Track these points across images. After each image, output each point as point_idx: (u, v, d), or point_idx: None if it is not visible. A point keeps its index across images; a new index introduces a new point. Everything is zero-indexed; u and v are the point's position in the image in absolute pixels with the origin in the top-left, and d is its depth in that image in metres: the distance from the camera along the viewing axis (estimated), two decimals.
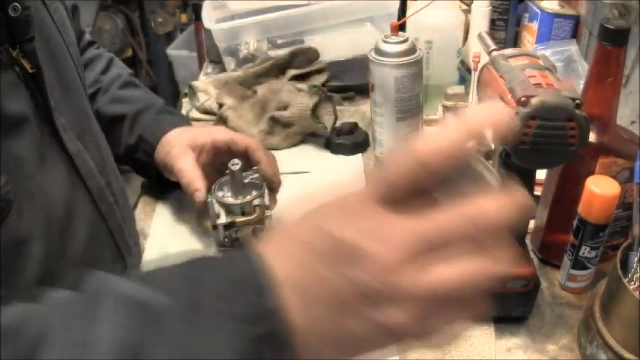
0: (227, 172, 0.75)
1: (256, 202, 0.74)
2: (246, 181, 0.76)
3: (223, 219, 0.74)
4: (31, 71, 0.58)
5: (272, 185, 0.78)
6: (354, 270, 0.33)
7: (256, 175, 0.77)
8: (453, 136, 0.35)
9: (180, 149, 0.79)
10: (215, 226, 0.74)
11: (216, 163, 0.81)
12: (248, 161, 0.78)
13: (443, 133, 0.35)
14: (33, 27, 0.58)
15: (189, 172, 0.76)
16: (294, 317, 0.33)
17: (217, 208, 0.74)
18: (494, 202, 0.33)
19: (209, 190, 0.76)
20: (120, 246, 0.72)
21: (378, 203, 0.35)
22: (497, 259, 0.33)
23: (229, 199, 0.75)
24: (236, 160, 0.74)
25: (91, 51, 0.95)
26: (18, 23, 0.57)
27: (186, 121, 0.91)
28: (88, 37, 0.96)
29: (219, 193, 0.75)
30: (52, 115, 0.61)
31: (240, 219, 0.74)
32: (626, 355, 0.58)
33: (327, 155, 1.04)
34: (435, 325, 0.35)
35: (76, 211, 0.63)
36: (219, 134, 0.81)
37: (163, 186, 0.90)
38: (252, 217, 0.74)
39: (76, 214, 0.63)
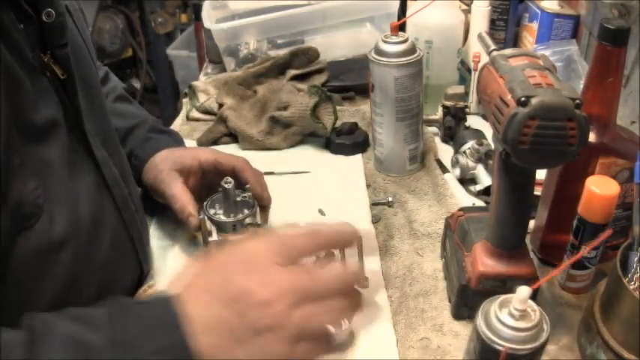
0: (220, 189, 0.74)
1: (249, 220, 0.74)
2: (238, 199, 0.76)
3: (215, 237, 0.73)
4: (62, 77, 0.58)
5: (262, 202, 0.79)
6: (244, 309, 0.45)
7: (248, 194, 0.77)
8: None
9: (168, 174, 0.79)
10: (207, 243, 0.74)
11: (205, 183, 0.81)
12: (237, 180, 0.79)
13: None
14: (67, 33, 0.58)
15: (181, 197, 0.77)
16: (201, 351, 0.44)
17: (209, 225, 0.74)
18: (349, 270, 0.52)
19: (201, 207, 0.76)
20: (139, 253, 0.73)
21: (272, 258, 0.48)
22: (351, 305, 0.49)
23: (221, 217, 0.74)
24: (229, 179, 0.74)
25: None
26: (51, 29, 0.57)
27: (177, 139, 0.91)
28: None
29: (211, 211, 0.75)
30: (83, 121, 0.61)
31: (233, 237, 0.74)
32: (626, 355, 0.58)
33: (327, 155, 1.04)
34: (301, 351, 0.46)
35: (102, 219, 0.64)
36: (205, 155, 0.82)
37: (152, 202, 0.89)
38: (245, 235, 0.72)
39: (101, 222, 0.64)
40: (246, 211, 0.75)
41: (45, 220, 0.54)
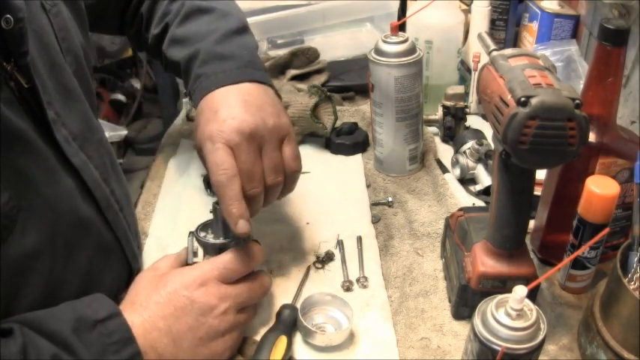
0: (210, 210, 0.71)
1: (234, 244, 0.69)
2: None
3: (200, 258, 0.70)
4: (26, 86, 0.56)
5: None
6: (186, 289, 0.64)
7: None
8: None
9: (217, 146, 0.65)
10: (190, 263, 0.70)
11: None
12: None
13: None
14: (27, 41, 0.55)
15: (233, 198, 0.64)
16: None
17: (195, 245, 0.70)
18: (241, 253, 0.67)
19: (191, 231, 0.72)
20: (126, 252, 0.72)
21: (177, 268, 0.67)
22: (259, 282, 0.69)
23: (209, 239, 0.70)
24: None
25: None
26: (11, 36, 0.54)
27: (236, 65, 0.74)
28: None
29: (202, 234, 0.71)
30: (52, 130, 0.59)
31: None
32: (626, 355, 0.58)
33: (327, 155, 1.04)
34: (241, 317, 0.66)
35: (83, 223, 0.63)
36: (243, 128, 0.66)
37: None
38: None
39: (82, 226, 0.63)
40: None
41: (17, 231, 0.53)
